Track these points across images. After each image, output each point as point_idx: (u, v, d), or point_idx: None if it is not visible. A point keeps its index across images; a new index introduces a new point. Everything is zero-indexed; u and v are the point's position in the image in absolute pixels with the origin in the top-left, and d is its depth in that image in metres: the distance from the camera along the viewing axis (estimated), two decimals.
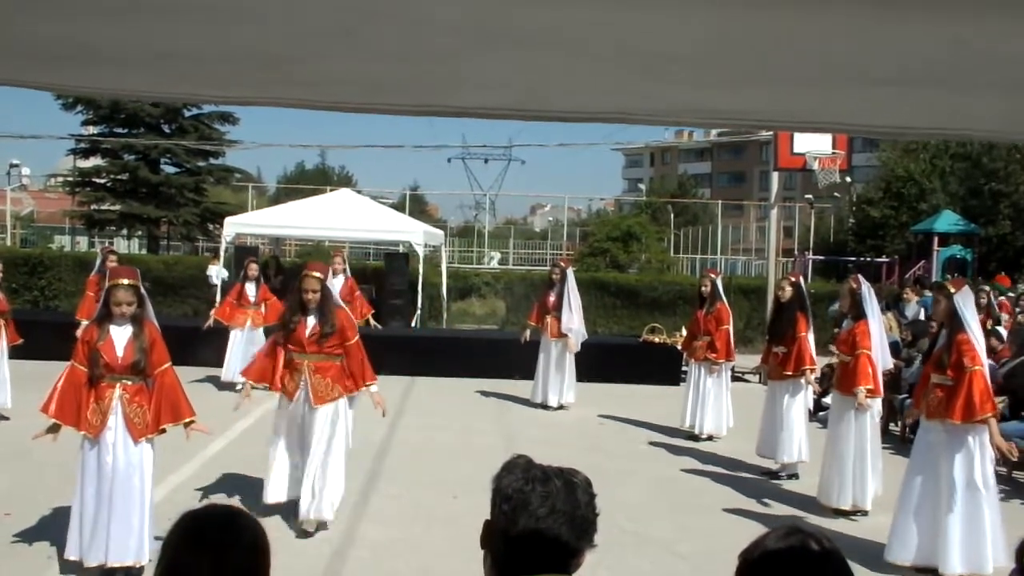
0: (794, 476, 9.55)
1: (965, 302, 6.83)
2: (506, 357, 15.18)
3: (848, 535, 7.41)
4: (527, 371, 14.84)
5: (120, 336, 5.96)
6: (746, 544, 1.73)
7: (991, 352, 11.07)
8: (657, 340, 16.84)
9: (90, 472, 5.94)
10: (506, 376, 14.87)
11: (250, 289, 13.52)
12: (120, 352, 5.92)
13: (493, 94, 2.07)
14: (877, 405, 8.35)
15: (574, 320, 13.15)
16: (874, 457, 8.17)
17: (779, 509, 8.42)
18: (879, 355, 8.24)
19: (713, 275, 12.29)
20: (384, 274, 20.26)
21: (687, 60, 1.75)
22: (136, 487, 5.96)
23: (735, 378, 16.93)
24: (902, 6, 1.41)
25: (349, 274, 14.23)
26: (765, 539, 1.69)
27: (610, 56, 1.72)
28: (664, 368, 15.73)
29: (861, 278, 8.69)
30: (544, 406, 13.20)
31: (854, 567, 1.69)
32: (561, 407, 13.19)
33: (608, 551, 6.16)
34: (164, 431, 6.11)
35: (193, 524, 2.03)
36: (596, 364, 15.50)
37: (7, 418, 10.73)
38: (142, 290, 6.09)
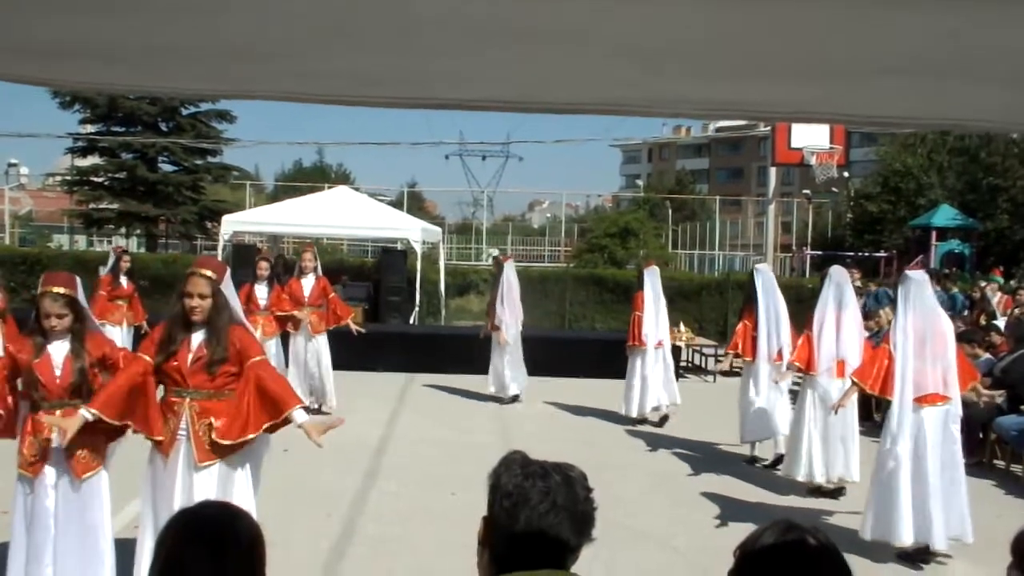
0: (760, 461, 10.00)
1: (903, 290, 7.08)
2: None
3: (843, 526, 7.42)
4: (525, 368, 14.80)
5: (58, 354, 4.97)
6: (742, 538, 1.73)
7: (989, 347, 11.07)
8: None
9: (20, 518, 4.99)
10: None
11: (260, 292, 11.55)
12: (58, 372, 4.94)
13: (488, 86, 2.06)
14: (828, 384, 8.43)
15: (506, 313, 13.12)
16: (834, 437, 8.47)
17: (776, 503, 8.41)
18: (835, 340, 8.47)
19: (646, 266, 12.81)
20: (381, 270, 20.24)
21: (685, 50, 1.73)
22: (90, 529, 5.05)
23: (734, 372, 16.99)
24: None
25: (320, 272, 12.10)
26: (762, 534, 1.69)
27: (607, 47, 1.70)
28: None
29: (835, 269, 8.90)
30: (496, 399, 13.24)
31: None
32: (511, 398, 13.23)
33: (603, 545, 6.15)
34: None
35: (189, 521, 2.02)
36: (593, 360, 15.52)
37: None
38: (79, 301, 5.03)
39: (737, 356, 10.41)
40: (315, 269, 11.93)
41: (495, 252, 36.81)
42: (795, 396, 9.55)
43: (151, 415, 5.01)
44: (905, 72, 1.81)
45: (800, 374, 8.85)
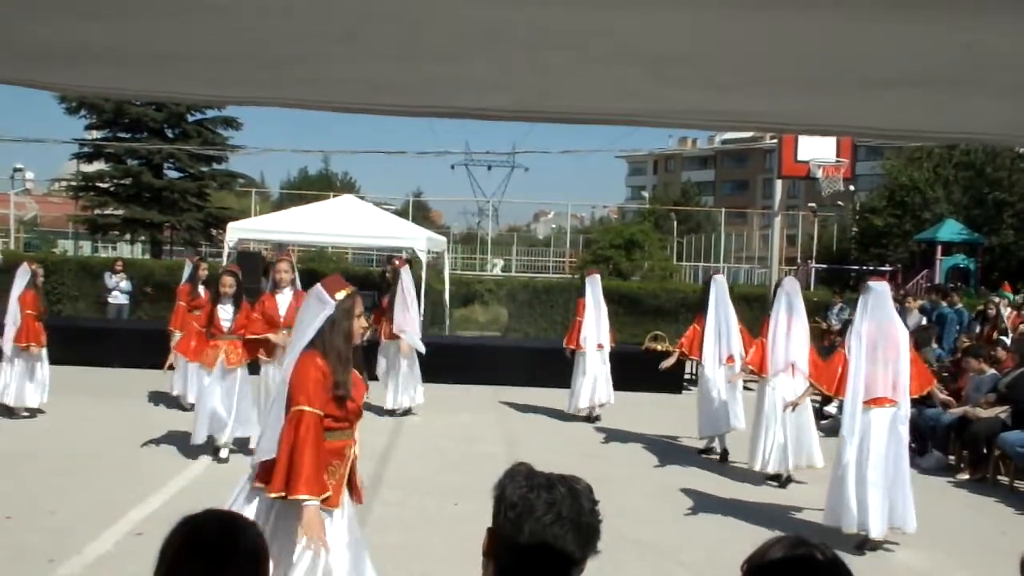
0: (712, 452, 10.88)
1: (864, 299, 7.59)
2: (508, 364, 15.15)
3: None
4: (530, 378, 14.79)
5: None
6: (748, 550, 1.71)
7: (994, 362, 11.04)
8: (660, 348, 16.78)
9: None
10: (508, 383, 14.86)
11: (225, 313, 9.58)
12: None
13: (495, 95, 2.06)
14: (785, 383, 9.24)
15: (407, 321, 12.53)
16: (791, 430, 9.25)
17: (782, 518, 8.38)
18: (785, 344, 9.30)
19: (588, 274, 13.72)
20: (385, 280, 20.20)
21: (692, 61, 1.73)
22: None
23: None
24: (912, 7, 1.40)
25: (300, 286, 9.86)
26: (769, 549, 1.67)
27: (613, 57, 1.70)
28: (667, 376, 15.64)
29: (786, 280, 9.85)
30: (390, 412, 12.58)
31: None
32: (403, 411, 12.72)
33: (609, 558, 6.10)
34: None
35: (192, 529, 2.01)
36: None
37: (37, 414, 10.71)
38: None
39: (682, 356, 11.74)
40: (293, 282, 9.82)
41: (499, 262, 36.85)
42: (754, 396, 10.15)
43: (322, 474, 4.33)
44: (915, 85, 1.80)
45: (754, 376, 9.76)
